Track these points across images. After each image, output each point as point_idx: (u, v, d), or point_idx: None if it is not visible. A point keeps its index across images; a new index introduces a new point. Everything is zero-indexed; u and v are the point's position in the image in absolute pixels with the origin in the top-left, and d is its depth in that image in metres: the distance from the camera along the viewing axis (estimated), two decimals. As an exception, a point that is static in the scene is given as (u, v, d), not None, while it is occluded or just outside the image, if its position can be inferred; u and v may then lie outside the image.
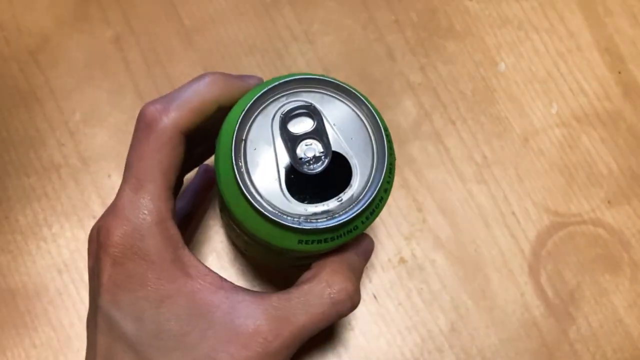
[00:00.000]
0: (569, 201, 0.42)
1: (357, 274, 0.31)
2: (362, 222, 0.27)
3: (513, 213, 0.42)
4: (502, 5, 0.45)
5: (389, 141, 0.27)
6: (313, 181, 0.27)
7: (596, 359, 0.40)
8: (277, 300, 0.28)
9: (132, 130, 0.42)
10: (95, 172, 0.41)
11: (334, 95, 0.27)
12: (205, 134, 0.30)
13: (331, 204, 0.26)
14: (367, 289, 0.40)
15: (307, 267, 0.32)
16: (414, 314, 0.40)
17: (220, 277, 0.29)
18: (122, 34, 0.44)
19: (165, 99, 0.29)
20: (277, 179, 0.26)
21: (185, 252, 0.29)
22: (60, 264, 0.40)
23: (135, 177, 0.28)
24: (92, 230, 0.30)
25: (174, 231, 0.28)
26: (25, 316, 0.39)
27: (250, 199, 0.25)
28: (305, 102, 0.27)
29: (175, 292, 0.27)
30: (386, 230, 0.41)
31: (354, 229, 0.27)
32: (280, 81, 0.27)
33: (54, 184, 0.41)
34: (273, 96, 0.27)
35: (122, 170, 0.41)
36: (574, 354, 0.40)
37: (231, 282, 0.29)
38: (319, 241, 0.26)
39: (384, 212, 0.41)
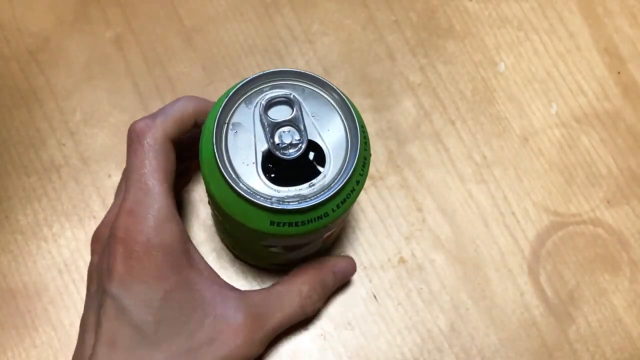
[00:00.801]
0: (569, 201, 0.42)
1: (326, 289, 0.37)
2: (333, 210, 0.28)
3: (513, 213, 0.42)
4: (502, 5, 0.45)
5: (364, 137, 0.29)
6: (289, 167, 0.28)
7: (595, 359, 0.40)
8: (259, 299, 0.34)
9: (132, 130, 0.42)
10: (95, 172, 0.41)
11: (315, 89, 0.29)
12: (185, 152, 0.34)
13: (303, 189, 0.28)
14: (367, 288, 0.40)
15: (286, 269, 0.37)
16: (414, 313, 0.40)
17: (215, 273, 0.33)
18: (122, 34, 0.44)
19: (150, 116, 0.32)
20: (254, 162, 0.28)
21: (191, 245, 0.33)
22: (60, 263, 0.40)
23: (140, 180, 0.31)
24: (99, 230, 0.33)
25: (182, 226, 0.32)
26: (26, 316, 0.39)
27: (227, 177, 0.27)
28: (287, 92, 0.29)
29: (182, 282, 0.31)
30: (386, 230, 0.41)
31: (324, 216, 0.28)
32: (265, 72, 0.29)
33: (55, 184, 0.41)
34: (257, 86, 0.29)
35: (123, 170, 0.41)
36: (574, 354, 0.40)
37: (222, 279, 0.33)
38: (290, 224, 0.28)
39: (383, 212, 0.41)
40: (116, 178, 0.41)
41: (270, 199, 0.27)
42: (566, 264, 0.41)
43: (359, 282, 0.40)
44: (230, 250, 0.40)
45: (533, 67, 0.44)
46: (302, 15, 0.44)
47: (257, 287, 0.40)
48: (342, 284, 0.40)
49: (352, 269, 0.39)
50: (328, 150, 0.28)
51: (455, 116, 0.43)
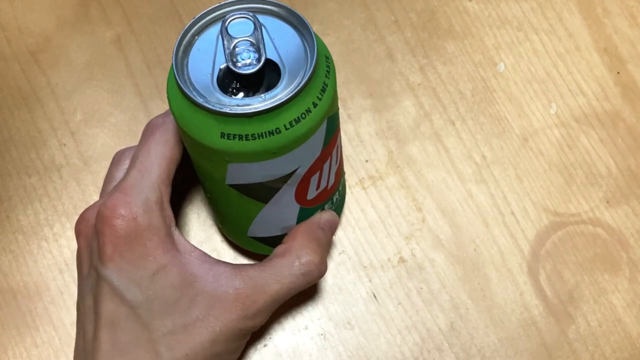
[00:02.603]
0: (568, 201, 0.42)
1: (323, 246, 0.35)
2: (285, 128, 0.28)
3: (512, 213, 0.42)
4: (502, 5, 0.45)
5: (327, 66, 0.30)
6: (246, 84, 0.29)
7: (595, 358, 0.40)
8: (253, 271, 0.33)
9: (133, 130, 0.43)
10: (96, 172, 0.42)
11: (283, 19, 0.31)
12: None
13: (255, 100, 0.28)
14: (367, 288, 0.40)
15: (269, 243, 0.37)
16: (414, 313, 0.40)
17: (204, 253, 0.33)
18: (122, 34, 0.44)
19: (166, 112, 0.34)
20: (211, 74, 0.29)
21: (177, 231, 0.33)
22: (61, 263, 0.40)
23: (142, 163, 0.32)
24: (86, 212, 0.34)
25: (170, 212, 0.33)
26: (27, 315, 0.39)
27: (181, 84, 0.28)
28: (250, 14, 0.30)
29: (169, 262, 0.32)
30: (386, 230, 0.41)
31: (276, 132, 0.28)
32: None
33: (55, 184, 0.41)
34: (228, 12, 0.30)
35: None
36: (573, 353, 0.40)
37: (213, 257, 0.33)
38: (240, 137, 0.28)
39: (383, 212, 0.41)
40: (117, 178, 0.41)
41: (219, 105, 0.28)
42: (566, 263, 0.41)
43: (359, 282, 0.40)
44: (218, 228, 0.40)
45: (533, 67, 0.44)
46: (302, 15, 0.44)
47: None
48: (332, 236, 0.38)
49: (336, 219, 0.38)
50: (285, 69, 0.29)
51: (455, 116, 0.43)
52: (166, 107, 0.43)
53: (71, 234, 0.41)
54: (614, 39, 0.45)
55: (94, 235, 0.32)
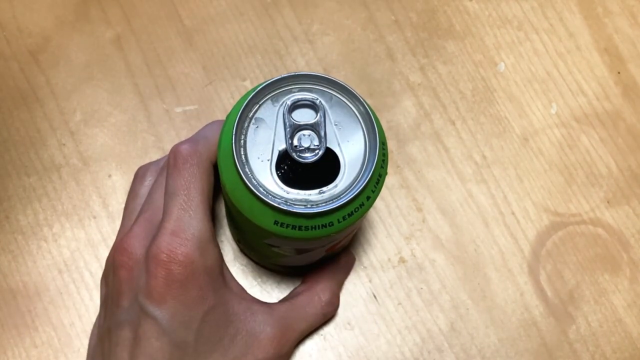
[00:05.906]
0: (569, 201, 0.42)
1: (341, 287, 0.39)
2: (338, 221, 0.28)
3: (512, 213, 0.42)
4: (502, 5, 0.45)
5: (383, 154, 0.29)
6: (302, 171, 0.28)
7: (595, 359, 0.40)
8: (284, 311, 0.35)
9: (132, 130, 0.43)
10: (95, 172, 0.41)
11: (343, 98, 0.29)
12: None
13: (312, 194, 0.28)
14: (367, 288, 0.40)
15: (288, 271, 0.38)
16: (414, 313, 0.40)
17: (243, 288, 0.34)
18: (122, 34, 0.44)
19: (192, 140, 0.33)
20: (269, 160, 0.28)
21: (225, 265, 0.34)
22: (60, 263, 0.40)
23: (184, 202, 0.31)
24: (128, 242, 0.32)
25: (219, 247, 0.33)
26: (26, 316, 0.39)
27: (240, 170, 0.27)
28: (314, 96, 0.29)
29: (218, 302, 0.32)
30: (386, 230, 0.41)
31: (329, 225, 0.28)
32: (296, 74, 0.29)
33: (55, 184, 0.41)
34: (286, 86, 0.29)
35: (123, 170, 0.41)
36: (574, 354, 0.40)
37: (249, 293, 0.35)
38: (294, 227, 0.28)
39: (383, 212, 0.41)
40: (116, 178, 0.41)
41: (279, 199, 0.27)
42: (566, 264, 0.41)
43: (359, 282, 0.40)
44: (236, 243, 0.40)
45: (533, 67, 0.44)
46: (302, 15, 0.44)
47: (257, 287, 0.40)
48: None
49: (354, 260, 0.40)
50: (344, 160, 0.28)
51: (455, 116, 0.43)
52: (166, 107, 0.42)
53: (70, 234, 0.40)
54: (615, 39, 0.45)
55: (141, 272, 0.31)
